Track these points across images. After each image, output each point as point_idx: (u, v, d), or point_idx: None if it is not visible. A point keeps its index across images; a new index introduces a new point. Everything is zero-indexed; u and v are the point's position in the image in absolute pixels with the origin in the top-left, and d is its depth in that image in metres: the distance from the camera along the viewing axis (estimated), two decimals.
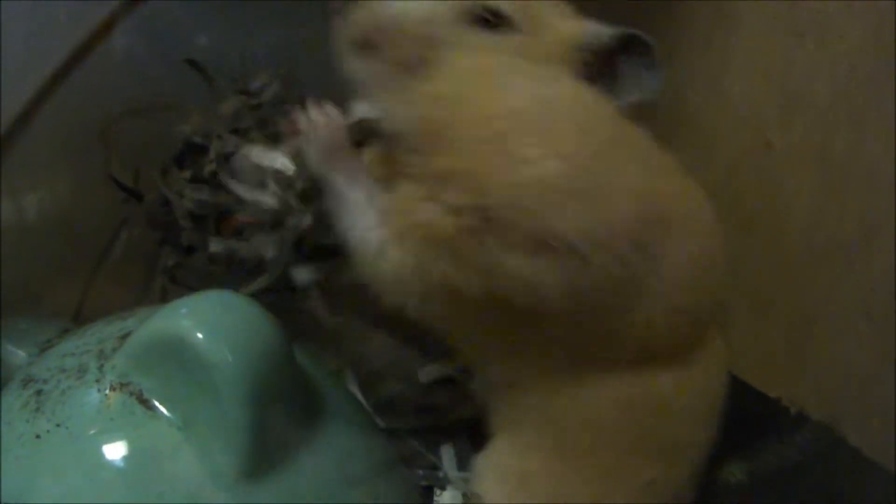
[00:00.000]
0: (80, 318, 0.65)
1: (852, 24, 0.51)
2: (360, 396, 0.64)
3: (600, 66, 0.52)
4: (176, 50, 0.74)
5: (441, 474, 0.61)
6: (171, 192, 0.62)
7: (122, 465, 0.44)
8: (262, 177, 0.59)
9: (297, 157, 0.57)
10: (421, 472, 0.62)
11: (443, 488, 0.61)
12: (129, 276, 0.72)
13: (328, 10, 0.55)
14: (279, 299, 0.59)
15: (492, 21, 0.51)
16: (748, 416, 0.53)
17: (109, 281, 0.70)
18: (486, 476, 0.55)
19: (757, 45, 0.57)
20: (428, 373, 0.67)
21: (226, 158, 0.62)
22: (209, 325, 0.44)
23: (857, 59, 0.51)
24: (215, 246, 0.60)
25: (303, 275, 0.58)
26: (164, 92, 0.73)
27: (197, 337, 0.44)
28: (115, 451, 0.44)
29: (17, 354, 0.54)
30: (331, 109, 0.54)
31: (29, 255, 0.70)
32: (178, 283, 0.66)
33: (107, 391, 0.46)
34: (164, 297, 0.66)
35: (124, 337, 0.49)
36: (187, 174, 0.63)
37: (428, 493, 0.61)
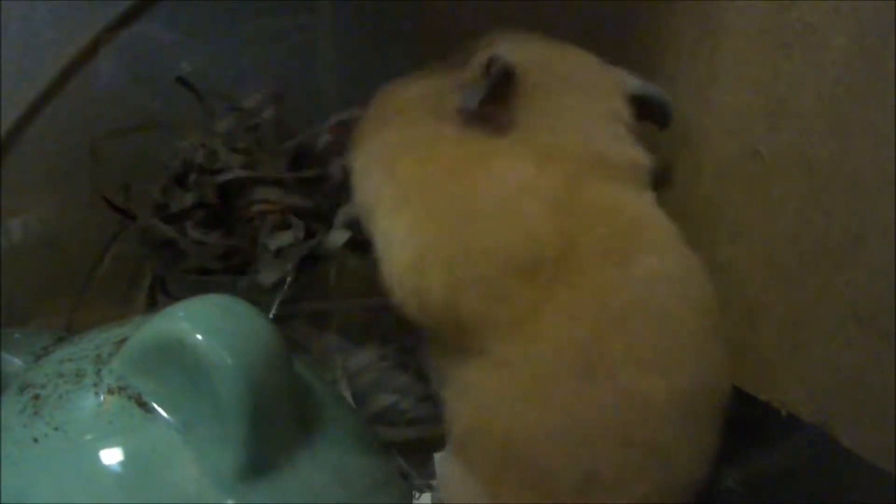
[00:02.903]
0: (70, 332, 0.65)
1: (837, 34, 0.52)
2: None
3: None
4: (159, 75, 0.75)
5: (434, 483, 0.61)
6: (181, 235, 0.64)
7: (120, 468, 0.44)
8: None
9: None
10: (417, 483, 0.62)
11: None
12: (117, 294, 0.72)
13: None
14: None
15: None
16: (738, 420, 0.53)
17: (97, 298, 0.71)
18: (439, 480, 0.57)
19: (743, 55, 0.58)
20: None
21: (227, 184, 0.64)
22: (208, 327, 0.44)
23: (842, 68, 0.52)
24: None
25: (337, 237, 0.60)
26: (148, 116, 0.74)
27: (196, 339, 0.44)
28: (113, 454, 0.44)
29: (13, 362, 0.54)
30: None
31: (16, 276, 0.70)
32: (170, 295, 0.66)
33: (104, 395, 0.46)
34: (153, 308, 0.66)
35: (121, 342, 0.49)
36: (191, 196, 0.64)
37: None
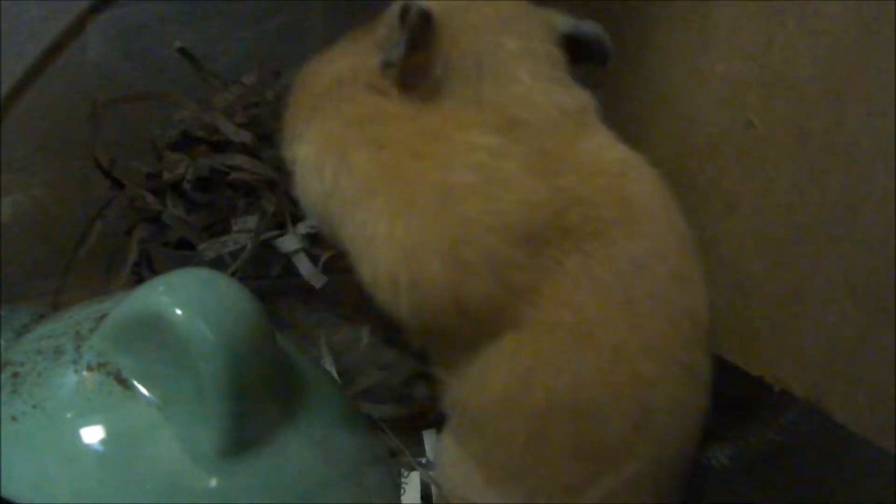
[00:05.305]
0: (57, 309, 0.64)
1: (832, 1, 0.51)
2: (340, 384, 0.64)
3: None
4: (149, 53, 0.75)
5: (424, 461, 0.61)
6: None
7: (100, 445, 0.43)
8: None
9: None
10: (406, 460, 0.62)
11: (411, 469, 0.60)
12: (103, 272, 0.71)
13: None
14: (259, 287, 0.59)
15: None
16: (731, 396, 0.53)
17: (85, 276, 0.70)
18: (437, 461, 0.56)
19: (736, 23, 0.57)
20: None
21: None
22: (188, 301, 0.44)
23: (837, 36, 0.51)
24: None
25: (290, 243, 0.59)
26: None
27: (175, 314, 0.43)
28: (92, 432, 0.44)
29: None
30: None
31: (6, 255, 0.70)
32: (155, 271, 0.66)
33: (84, 371, 0.45)
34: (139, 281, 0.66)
35: (102, 318, 0.48)
36: (184, 166, 0.64)
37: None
